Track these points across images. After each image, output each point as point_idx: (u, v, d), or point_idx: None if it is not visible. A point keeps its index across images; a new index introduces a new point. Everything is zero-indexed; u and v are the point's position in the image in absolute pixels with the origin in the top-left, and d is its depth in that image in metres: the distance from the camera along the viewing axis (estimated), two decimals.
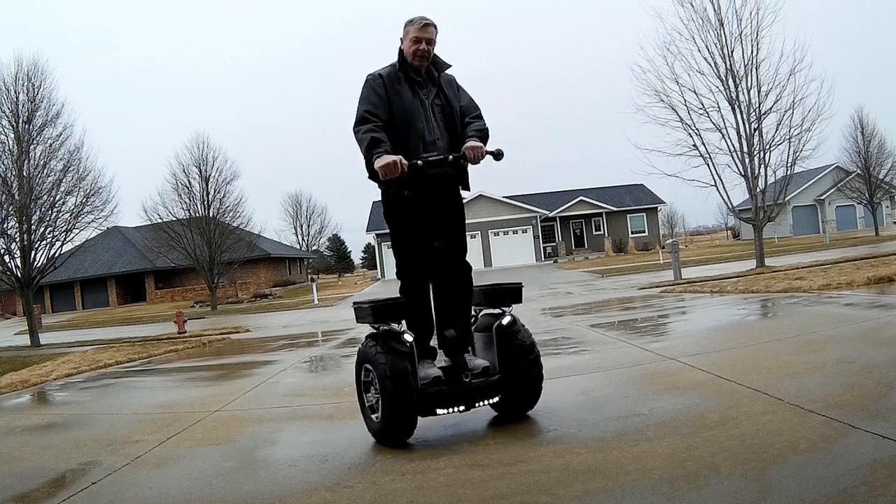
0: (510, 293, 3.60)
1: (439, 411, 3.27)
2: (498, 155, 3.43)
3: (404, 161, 3.19)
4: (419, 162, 3.26)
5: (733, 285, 11.68)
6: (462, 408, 3.33)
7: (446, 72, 3.59)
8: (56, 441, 4.28)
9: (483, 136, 3.45)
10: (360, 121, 3.34)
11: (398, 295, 3.47)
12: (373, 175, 3.33)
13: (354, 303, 3.56)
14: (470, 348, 3.54)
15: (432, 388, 3.25)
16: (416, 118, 3.39)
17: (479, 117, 3.57)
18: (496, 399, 3.43)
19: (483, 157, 3.38)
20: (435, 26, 3.43)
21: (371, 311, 3.35)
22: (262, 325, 16.41)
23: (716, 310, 8.77)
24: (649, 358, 5.16)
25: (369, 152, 3.24)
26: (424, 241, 3.42)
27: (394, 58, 3.51)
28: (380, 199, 3.55)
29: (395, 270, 3.63)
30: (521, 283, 3.66)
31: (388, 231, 3.57)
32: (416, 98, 3.44)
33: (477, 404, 3.37)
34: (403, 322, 3.44)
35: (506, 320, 3.50)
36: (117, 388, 7.00)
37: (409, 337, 3.32)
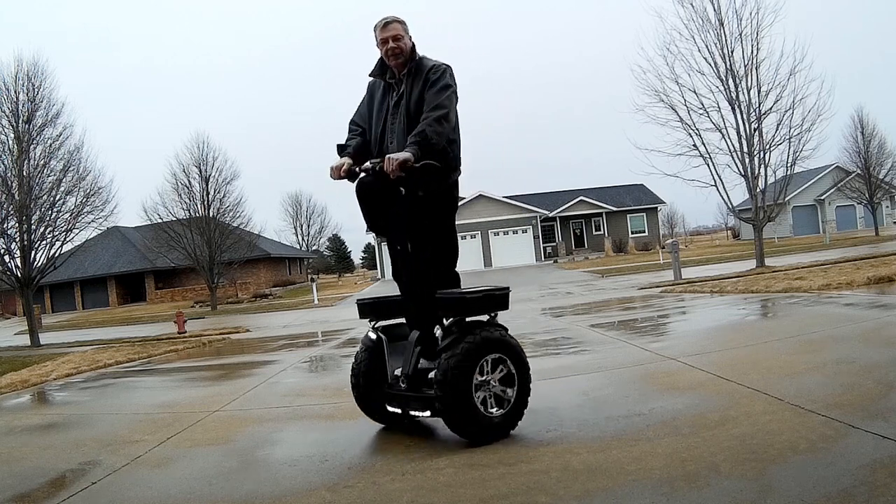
0: (490, 300, 3.28)
1: (388, 407, 3.43)
2: (424, 170, 3.10)
3: (345, 168, 3.31)
4: (356, 168, 3.34)
5: (733, 285, 11.68)
6: (399, 411, 3.36)
7: (424, 59, 3.39)
8: (56, 441, 4.27)
9: (420, 141, 3.11)
10: (348, 130, 3.57)
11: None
12: None
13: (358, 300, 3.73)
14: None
15: (389, 386, 3.42)
16: (378, 123, 3.45)
17: (435, 108, 3.21)
18: (426, 414, 3.19)
19: (398, 172, 3.06)
20: (400, 21, 3.37)
21: (358, 308, 3.66)
22: (262, 325, 16.41)
23: (716, 310, 8.77)
24: (649, 358, 5.16)
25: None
26: (390, 245, 3.54)
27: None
28: None
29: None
30: (492, 289, 3.29)
31: None
32: (385, 102, 3.45)
33: (411, 413, 3.27)
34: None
35: (438, 332, 3.28)
36: (117, 388, 7.00)
37: (372, 335, 3.54)
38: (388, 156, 3.12)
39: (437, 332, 3.34)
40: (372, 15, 3.44)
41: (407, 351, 3.37)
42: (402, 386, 3.29)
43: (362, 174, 3.33)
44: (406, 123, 3.32)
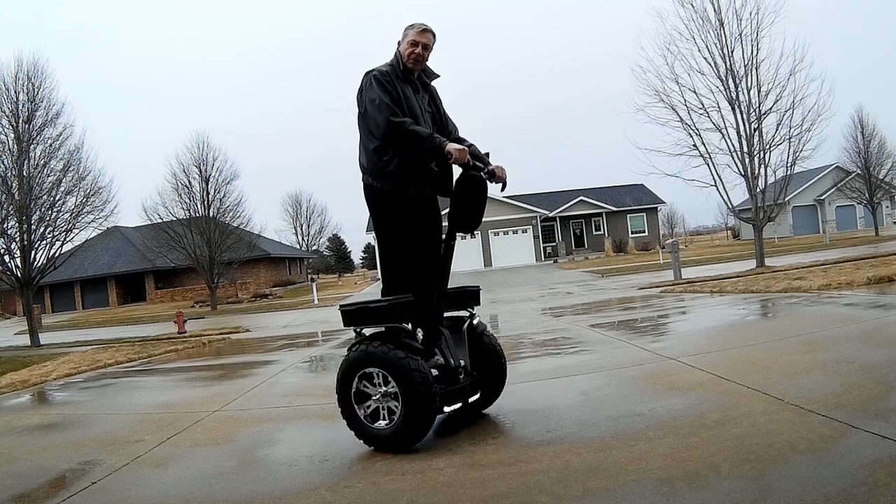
0: (471, 296, 3.77)
1: (446, 409, 3.30)
2: (504, 188, 3.64)
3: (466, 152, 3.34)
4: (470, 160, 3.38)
5: (733, 285, 11.68)
6: (459, 405, 3.39)
7: (433, 83, 3.68)
8: (56, 441, 4.28)
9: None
10: (394, 112, 3.25)
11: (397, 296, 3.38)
12: (393, 170, 3.33)
13: (342, 305, 3.47)
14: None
15: (437, 388, 3.22)
16: (420, 119, 3.41)
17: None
18: (478, 395, 3.56)
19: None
20: (434, 34, 3.48)
21: (381, 311, 3.23)
22: (261, 325, 16.41)
23: (716, 310, 8.77)
24: (649, 358, 5.16)
25: (431, 141, 3.23)
26: (426, 242, 3.54)
27: (388, 58, 3.51)
28: (375, 199, 3.48)
29: (383, 271, 3.69)
30: (478, 287, 3.86)
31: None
32: (417, 100, 3.48)
33: (469, 400, 3.48)
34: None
35: (476, 321, 3.69)
36: (117, 388, 7.00)
37: (421, 335, 3.42)
38: (501, 166, 3.53)
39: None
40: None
41: (444, 345, 3.47)
42: (461, 377, 3.41)
43: (472, 169, 3.41)
44: (435, 130, 3.48)
